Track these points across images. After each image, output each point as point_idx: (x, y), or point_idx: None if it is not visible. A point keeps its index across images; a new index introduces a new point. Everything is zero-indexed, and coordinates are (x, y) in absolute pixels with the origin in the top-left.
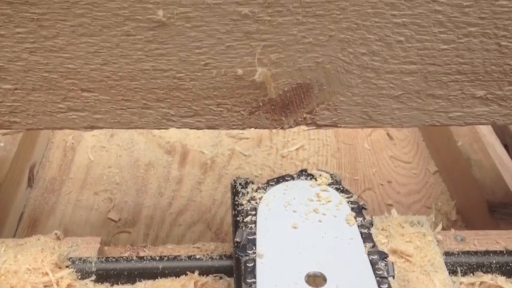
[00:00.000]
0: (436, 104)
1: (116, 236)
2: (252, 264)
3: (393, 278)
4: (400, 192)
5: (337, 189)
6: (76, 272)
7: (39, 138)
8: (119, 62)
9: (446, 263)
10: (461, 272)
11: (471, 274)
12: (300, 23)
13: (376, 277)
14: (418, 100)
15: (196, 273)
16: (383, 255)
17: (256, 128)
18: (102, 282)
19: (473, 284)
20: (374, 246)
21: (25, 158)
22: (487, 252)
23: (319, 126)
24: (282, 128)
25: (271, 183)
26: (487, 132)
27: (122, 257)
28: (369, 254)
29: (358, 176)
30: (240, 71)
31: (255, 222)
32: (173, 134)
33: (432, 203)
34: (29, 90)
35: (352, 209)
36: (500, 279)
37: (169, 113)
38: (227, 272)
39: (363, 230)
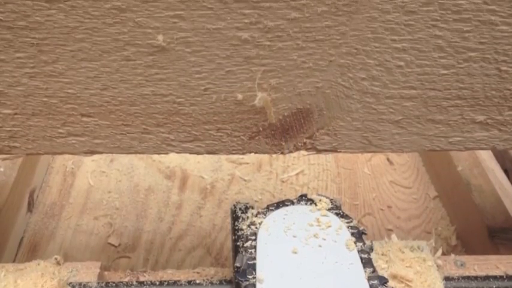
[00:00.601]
0: (436, 129)
1: (115, 261)
2: None
3: None
4: (400, 217)
5: (337, 214)
6: None
7: (39, 163)
8: (119, 87)
9: None
10: None
11: None
12: (300, 48)
13: None
14: (418, 125)
15: None
16: (383, 280)
17: (256, 152)
18: None
19: None
20: (374, 271)
21: (25, 182)
22: (487, 277)
23: (319, 151)
24: (282, 153)
25: (271, 208)
26: (487, 157)
27: (122, 282)
28: (369, 279)
29: (358, 201)
30: (240, 96)
31: (255, 247)
32: (173, 159)
33: (432, 228)
34: (28, 115)
35: (352, 234)
36: None
37: (169, 137)
38: None
39: (363, 255)
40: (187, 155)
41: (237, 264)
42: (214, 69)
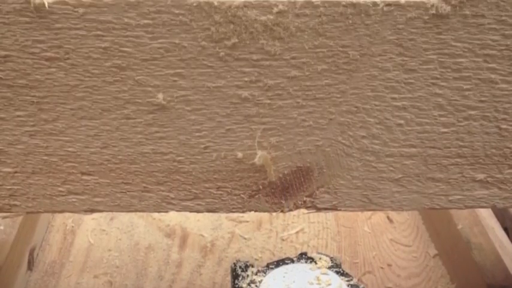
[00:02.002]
0: (436, 187)
1: None
2: None
3: None
4: (400, 276)
5: (337, 272)
6: None
7: (39, 221)
8: (119, 145)
9: None
10: None
11: None
12: (300, 106)
13: None
14: (418, 183)
15: None
16: None
17: (256, 211)
18: None
19: None
20: None
21: (25, 241)
22: None
23: (319, 210)
24: (282, 211)
25: (271, 266)
26: (487, 215)
27: None
28: None
29: (358, 259)
30: (240, 154)
31: None
32: (173, 217)
33: (432, 286)
34: (29, 173)
35: None
36: None
37: (169, 196)
38: None
39: None
40: (187, 213)
41: None
42: (215, 128)
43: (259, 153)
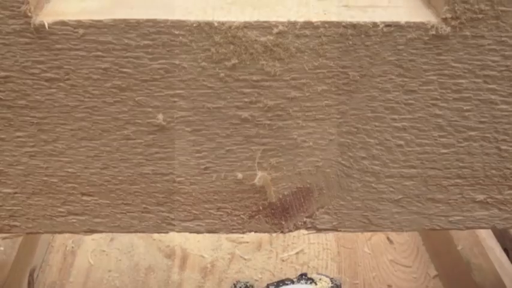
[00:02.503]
0: (436, 208)
1: None
2: None
3: None
4: None
5: None
6: None
7: (39, 242)
8: (119, 166)
9: None
10: None
11: None
12: (300, 127)
13: None
14: (418, 204)
15: None
16: None
17: (256, 231)
18: None
19: None
20: None
21: (25, 261)
22: None
23: (319, 230)
24: (281, 232)
25: (271, 287)
26: (487, 236)
27: None
28: None
29: (358, 280)
30: (240, 175)
31: None
32: (173, 238)
33: None
34: (29, 194)
35: None
36: None
37: (169, 217)
38: None
39: None
40: (187, 234)
41: None
42: (214, 148)
43: (259, 174)
